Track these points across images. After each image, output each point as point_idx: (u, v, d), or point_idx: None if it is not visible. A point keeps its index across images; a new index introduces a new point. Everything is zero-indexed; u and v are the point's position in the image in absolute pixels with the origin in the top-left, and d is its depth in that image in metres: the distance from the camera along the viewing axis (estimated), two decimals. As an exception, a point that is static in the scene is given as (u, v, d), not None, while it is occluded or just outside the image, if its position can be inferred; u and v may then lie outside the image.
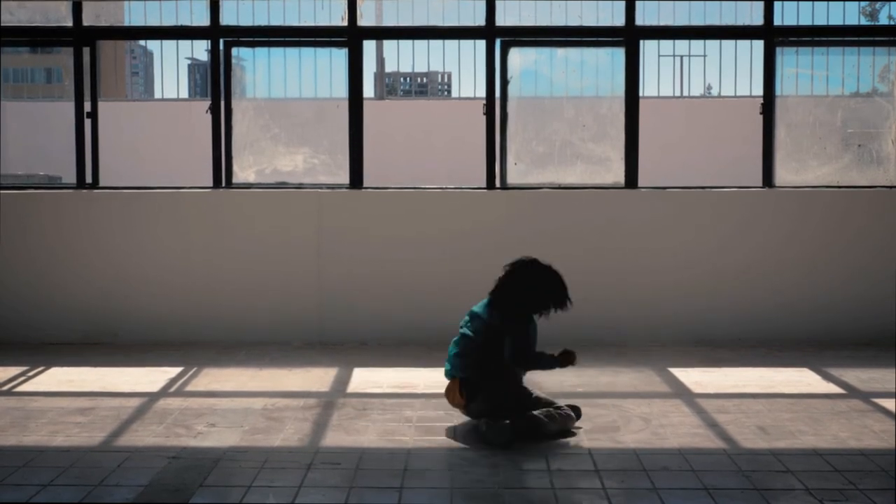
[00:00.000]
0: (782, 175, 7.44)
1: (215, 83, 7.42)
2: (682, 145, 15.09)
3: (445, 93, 43.53)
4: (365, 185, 7.39)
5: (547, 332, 7.14)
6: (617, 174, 7.39)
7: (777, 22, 7.34)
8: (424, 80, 55.61)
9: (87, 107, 7.43)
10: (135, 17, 7.78)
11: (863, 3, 8.41)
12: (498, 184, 7.39)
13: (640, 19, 7.31)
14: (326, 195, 7.28)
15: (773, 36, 7.34)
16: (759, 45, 7.42)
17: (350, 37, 7.34)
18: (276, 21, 7.45)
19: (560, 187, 7.37)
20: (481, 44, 7.38)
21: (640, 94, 7.37)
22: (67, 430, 4.83)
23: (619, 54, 7.35)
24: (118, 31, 7.98)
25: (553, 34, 7.45)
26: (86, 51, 7.44)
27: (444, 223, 7.23)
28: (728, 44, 10.62)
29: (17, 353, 6.80)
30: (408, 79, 55.67)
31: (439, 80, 50.04)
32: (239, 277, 7.20)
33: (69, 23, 7.41)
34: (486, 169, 7.38)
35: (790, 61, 7.50)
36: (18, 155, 12.55)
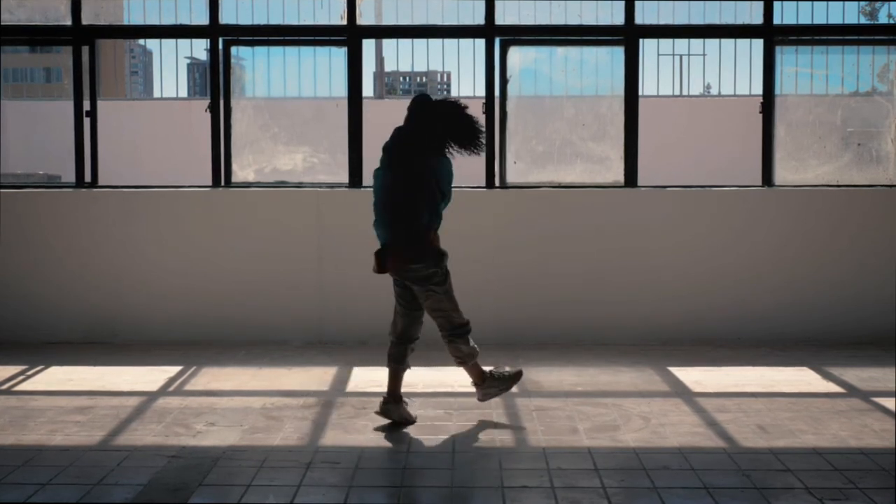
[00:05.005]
0: (782, 174, 7.43)
1: (214, 82, 7.41)
2: (681, 144, 15.09)
3: (445, 92, 43.51)
4: (364, 184, 7.39)
5: (548, 332, 7.18)
6: (617, 173, 7.38)
7: (777, 21, 7.34)
8: (424, 79, 55.59)
9: (87, 106, 7.42)
10: (134, 16, 7.77)
11: (862, 3, 8.40)
12: (497, 183, 7.39)
13: (640, 18, 7.31)
14: (326, 194, 7.28)
15: (773, 35, 7.34)
16: (758, 44, 7.42)
17: (349, 36, 7.34)
18: (276, 20, 7.45)
19: (560, 186, 7.37)
20: (481, 43, 7.38)
21: (640, 93, 7.37)
22: (66, 429, 4.82)
23: (618, 53, 7.35)
24: (117, 30, 7.96)
25: (552, 33, 7.44)
26: (85, 50, 7.43)
27: (443, 222, 7.19)
28: (728, 43, 10.62)
29: (16, 352, 6.79)
30: (407, 78, 55.71)
31: (438, 79, 50.01)
32: (238, 276, 7.19)
33: (68, 21, 7.40)
34: (486, 168, 7.37)
35: (790, 60, 7.50)
36: (18, 154, 12.56)
